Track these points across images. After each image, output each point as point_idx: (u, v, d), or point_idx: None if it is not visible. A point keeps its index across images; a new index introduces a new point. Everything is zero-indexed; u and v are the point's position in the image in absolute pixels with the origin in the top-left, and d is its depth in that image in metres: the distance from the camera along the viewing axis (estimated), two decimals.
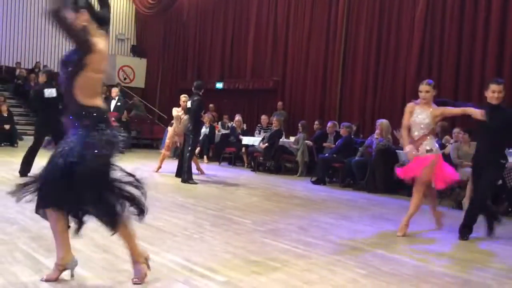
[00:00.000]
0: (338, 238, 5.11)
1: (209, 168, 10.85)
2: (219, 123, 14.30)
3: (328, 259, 4.25)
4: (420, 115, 5.37)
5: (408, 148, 5.51)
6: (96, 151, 3.07)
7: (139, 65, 19.45)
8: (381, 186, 8.80)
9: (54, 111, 7.36)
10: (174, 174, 9.27)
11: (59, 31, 2.96)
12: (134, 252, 3.27)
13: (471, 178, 5.56)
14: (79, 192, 3.07)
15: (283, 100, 13.93)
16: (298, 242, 4.79)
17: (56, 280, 3.25)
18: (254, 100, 15.17)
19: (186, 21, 17.84)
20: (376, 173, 8.89)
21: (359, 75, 12.15)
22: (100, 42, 3.14)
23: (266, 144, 11.09)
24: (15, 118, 14.50)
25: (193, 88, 9.20)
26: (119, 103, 13.51)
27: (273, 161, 11.26)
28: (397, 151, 8.80)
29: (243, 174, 10.72)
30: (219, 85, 15.91)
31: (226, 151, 12.67)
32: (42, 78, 8.37)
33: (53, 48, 18.65)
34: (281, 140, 11.24)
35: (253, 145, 11.77)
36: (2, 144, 13.48)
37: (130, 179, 3.31)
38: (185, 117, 9.39)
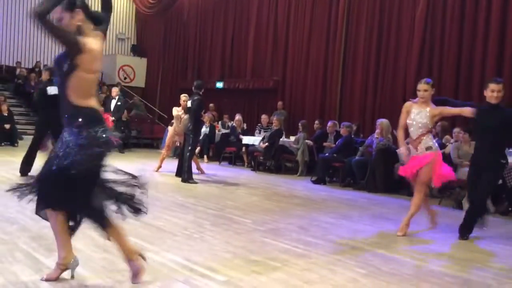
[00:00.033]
0: (338, 238, 5.11)
1: (209, 168, 10.86)
2: (219, 122, 14.30)
3: (328, 259, 4.25)
4: (418, 114, 5.34)
5: (402, 149, 5.54)
6: (87, 152, 3.07)
7: (139, 65, 19.46)
8: (381, 185, 8.80)
9: (55, 109, 7.37)
10: (174, 174, 9.27)
11: (45, 34, 2.94)
12: (127, 251, 3.25)
13: (469, 178, 5.49)
14: (70, 194, 3.07)
15: (283, 99, 13.93)
16: (298, 241, 4.80)
17: (56, 279, 3.25)
18: (254, 99, 15.17)
19: (187, 21, 17.84)
20: (376, 173, 8.90)
21: (359, 75, 12.15)
22: (91, 42, 3.11)
23: (266, 144, 11.09)
24: (15, 117, 14.51)
25: (193, 88, 9.21)
26: (119, 103, 13.49)
27: (273, 160, 11.27)
28: (397, 150, 8.78)
29: (243, 174, 10.72)
30: (219, 85, 15.92)
31: (226, 150, 12.68)
32: (45, 76, 8.37)
33: (54, 48, 18.66)
34: (281, 139, 11.24)
35: (253, 145, 11.77)
36: (2, 144, 13.48)
37: (125, 178, 3.32)
38: (185, 116, 9.39)
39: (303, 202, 7.33)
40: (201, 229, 5.11)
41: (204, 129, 12.20)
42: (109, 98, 14.27)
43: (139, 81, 19.44)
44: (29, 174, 7.14)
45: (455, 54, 10.33)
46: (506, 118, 5.19)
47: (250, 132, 13.31)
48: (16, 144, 13.48)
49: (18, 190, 3.23)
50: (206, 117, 12.28)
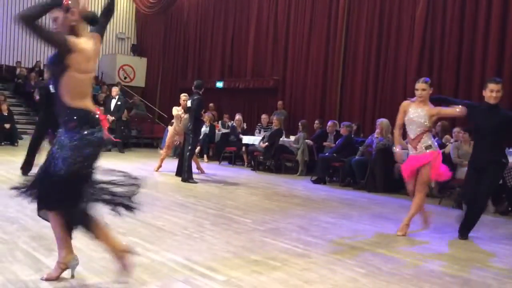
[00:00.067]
0: (338, 238, 5.11)
1: (209, 167, 10.86)
2: (219, 122, 14.30)
3: (328, 258, 4.25)
4: (415, 113, 5.31)
5: (397, 148, 5.58)
6: (78, 153, 3.06)
7: (140, 64, 19.46)
8: (381, 185, 8.80)
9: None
10: (174, 173, 9.27)
11: (34, 37, 2.94)
12: (114, 249, 3.23)
13: (469, 178, 5.43)
14: (61, 195, 3.07)
15: (283, 99, 13.94)
16: (298, 241, 4.80)
17: (56, 279, 3.25)
18: (254, 99, 15.17)
19: (187, 20, 17.85)
20: (376, 173, 8.90)
21: (360, 74, 12.16)
22: (84, 42, 3.10)
23: (266, 143, 11.09)
24: (15, 117, 14.50)
25: (193, 87, 9.21)
26: (119, 102, 13.51)
27: (273, 160, 11.27)
28: (392, 149, 8.79)
29: (243, 173, 10.72)
30: (220, 84, 15.92)
31: (226, 150, 12.68)
32: (47, 74, 8.39)
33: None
34: (281, 139, 11.24)
35: (253, 144, 11.78)
36: (3, 143, 13.48)
37: (118, 178, 3.31)
38: (186, 116, 9.40)
39: (303, 202, 7.34)
40: (201, 228, 5.11)
41: (204, 129, 12.21)
42: (109, 97, 14.29)
43: (139, 81, 19.45)
44: (29, 173, 7.16)
45: (455, 53, 10.33)
46: (505, 119, 5.17)
47: (250, 131, 13.32)
48: (16, 144, 13.48)
49: (21, 190, 3.24)
50: (206, 116, 12.29)
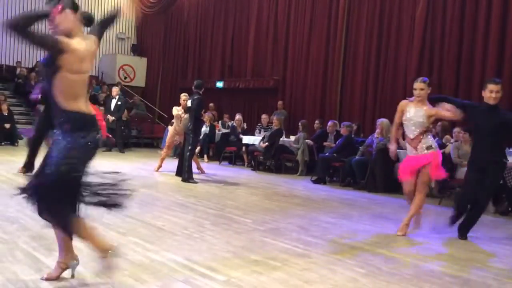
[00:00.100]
0: (338, 238, 5.11)
1: (209, 167, 10.86)
2: (220, 122, 14.31)
3: (328, 258, 4.26)
4: (414, 113, 5.28)
5: (392, 146, 5.62)
6: (68, 156, 3.05)
7: (140, 64, 19.46)
8: (381, 185, 8.80)
9: None
10: (175, 173, 9.28)
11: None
12: (99, 249, 3.20)
13: (470, 178, 5.40)
14: (46, 199, 3.07)
15: (284, 99, 13.93)
16: (298, 241, 4.80)
17: (57, 279, 3.25)
18: (254, 99, 15.17)
19: (187, 20, 17.85)
20: (376, 173, 8.90)
21: (360, 74, 12.16)
22: (77, 42, 3.08)
23: (267, 143, 11.09)
24: (16, 117, 14.50)
25: (193, 87, 9.21)
26: (119, 102, 13.52)
27: (273, 160, 11.27)
28: (397, 150, 8.79)
29: (243, 173, 10.72)
30: (220, 84, 15.92)
31: (226, 150, 12.68)
32: (41, 75, 8.39)
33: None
34: (281, 139, 11.25)
35: (253, 144, 11.78)
36: (3, 143, 13.49)
37: (105, 180, 3.32)
38: (186, 116, 9.40)
39: (303, 202, 7.34)
40: (201, 228, 5.11)
41: (204, 129, 12.21)
42: (109, 97, 14.29)
43: (139, 81, 19.44)
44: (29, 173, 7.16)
45: (455, 53, 10.33)
46: (504, 119, 5.14)
47: (250, 131, 13.32)
48: (16, 144, 13.48)
49: (20, 193, 3.23)
50: (206, 116, 12.29)
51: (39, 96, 8.20)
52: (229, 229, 5.17)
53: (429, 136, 5.39)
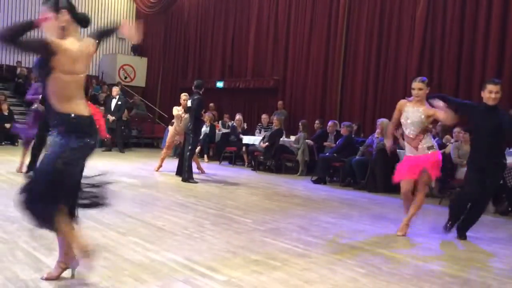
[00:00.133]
0: (338, 237, 5.11)
1: (209, 167, 10.86)
2: (220, 122, 14.31)
3: (328, 258, 4.26)
4: (412, 113, 5.26)
5: (388, 143, 5.69)
6: (63, 153, 3.04)
7: (140, 64, 19.46)
8: (382, 185, 8.80)
9: None
10: (175, 173, 9.28)
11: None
12: (78, 247, 3.19)
13: (469, 179, 5.36)
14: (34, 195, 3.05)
15: (284, 99, 13.94)
16: (298, 241, 4.80)
17: (56, 278, 3.26)
18: (254, 99, 15.18)
19: (187, 20, 17.85)
20: (376, 173, 8.90)
21: (360, 74, 12.16)
22: (70, 42, 3.07)
23: (267, 143, 11.09)
24: (16, 117, 14.50)
25: (193, 87, 9.22)
26: (119, 102, 13.52)
27: (274, 160, 11.27)
28: (397, 150, 8.80)
29: (243, 173, 10.72)
30: (220, 84, 15.93)
31: (226, 150, 12.68)
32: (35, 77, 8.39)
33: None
34: (281, 139, 11.25)
35: (253, 144, 11.78)
36: (3, 143, 13.50)
37: (92, 181, 3.33)
38: (186, 116, 9.40)
39: (303, 202, 7.34)
40: (201, 228, 5.11)
41: (205, 129, 12.21)
42: (109, 97, 14.30)
43: (140, 81, 19.45)
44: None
45: (456, 53, 10.34)
46: (504, 120, 5.10)
47: (250, 131, 13.32)
48: (16, 144, 13.48)
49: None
50: (206, 116, 12.29)
51: (40, 97, 8.20)
52: (229, 229, 5.17)
53: (429, 136, 5.38)
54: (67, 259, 3.27)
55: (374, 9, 11.94)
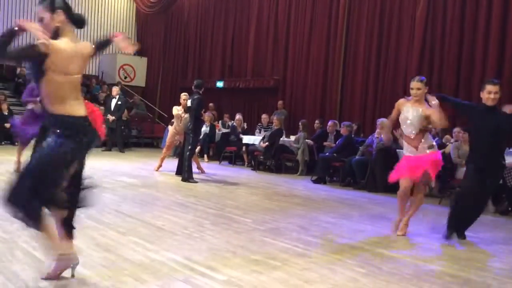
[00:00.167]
0: (338, 237, 5.11)
1: (209, 167, 10.86)
2: (220, 122, 14.31)
3: (328, 258, 4.26)
4: (410, 113, 5.24)
5: (385, 136, 5.78)
6: (53, 155, 3.03)
7: (140, 64, 19.46)
8: (382, 185, 8.79)
9: None
10: (174, 173, 9.28)
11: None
12: (55, 249, 3.18)
13: (469, 179, 5.32)
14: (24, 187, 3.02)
15: (284, 99, 13.94)
16: (298, 241, 4.80)
17: (56, 278, 3.25)
18: (254, 99, 15.18)
19: (187, 20, 17.85)
20: (376, 173, 8.89)
21: (360, 74, 12.16)
22: (63, 42, 3.06)
23: (267, 143, 11.09)
24: (16, 116, 14.48)
25: (193, 87, 9.22)
26: (119, 102, 13.52)
27: (274, 160, 11.27)
28: (397, 150, 8.80)
29: (243, 173, 10.72)
30: (220, 84, 15.93)
31: (226, 150, 12.68)
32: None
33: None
34: (281, 139, 11.25)
35: (253, 144, 11.78)
36: (3, 143, 13.50)
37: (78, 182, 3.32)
38: (186, 115, 9.40)
39: (303, 202, 7.34)
40: (201, 228, 5.11)
41: (205, 129, 12.21)
42: (109, 97, 14.30)
43: (140, 80, 19.44)
44: None
45: (456, 54, 10.34)
46: (503, 120, 5.07)
47: (250, 131, 13.32)
48: (16, 143, 13.47)
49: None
50: (206, 116, 12.29)
51: (38, 99, 8.21)
52: (229, 228, 5.17)
53: (429, 136, 5.37)
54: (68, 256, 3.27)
55: (374, 9, 11.94)
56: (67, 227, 3.29)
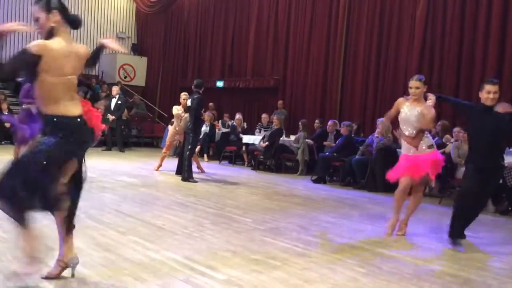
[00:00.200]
0: (338, 237, 5.11)
1: (209, 167, 10.86)
2: (220, 121, 14.31)
3: (328, 258, 4.26)
4: (409, 112, 5.22)
5: (382, 126, 5.61)
6: (44, 154, 3.02)
7: (140, 64, 19.45)
8: (382, 185, 8.78)
9: None
10: (174, 173, 9.28)
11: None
12: (29, 253, 3.15)
13: (468, 179, 5.29)
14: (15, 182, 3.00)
15: (284, 98, 13.93)
16: (298, 240, 4.80)
17: (57, 277, 3.25)
18: (254, 98, 15.17)
19: (187, 20, 17.84)
20: (376, 172, 8.89)
21: (360, 74, 12.15)
22: (57, 41, 3.06)
23: (267, 143, 11.09)
24: (16, 116, 14.49)
25: (193, 86, 9.22)
26: (119, 102, 13.52)
27: (274, 159, 11.27)
28: (397, 150, 8.79)
29: (243, 173, 10.72)
30: (220, 84, 15.92)
31: (226, 149, 12.68)
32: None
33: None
34: (281, 138, 11.24)
35: (253, 144, 11.77)
36: (3, 142, 13.50)
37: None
38: (186, 115, 9.40)
39: (303, 201, 7.34)
40: (201, 228, 5.11)
41: (205, 128, 12.21)
42: (109, 97, 14.29)
43: (140, 80, 19.43)
44: None
45: (456, 53, 10.33)
46: (502, 120, 5.03)
47: (250, 131, 13.32)
48: (16, 143, 13.47)
49: None
50: (206, 116, 12.28)
51: (34, 99, 8.22)
52: (229, 228, 5.17)
53: (428, 135, 5.37)
54: (67, 257, 3.27)
55: (374, 8, 11.93)
56: (68, 226, 3.28)
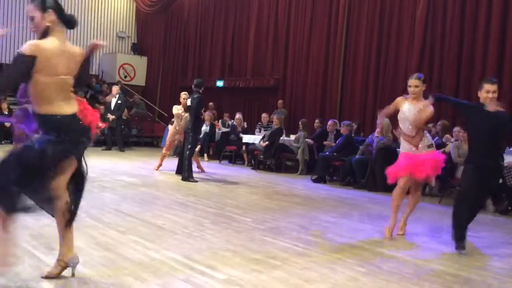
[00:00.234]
0: (338, 237, 5.11)
1: (209, 166, 10.86)
2: (220, 121, 14.30)
3: (328, 257, 4.26)
4: (408, 111, 5.21)
5: (380, 117, 6.03)
6: (39, 151, 3.02)
7: (140, 63, 19.44)
8: (382, 184, 8.76)
9: None
10: (175, 172, 9.28)
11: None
12: (5, 255, 3.14)
13: (468, 179, 5.25)
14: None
15: (284, 98, 13.93)
16: (298, 240, 4.80)
17: (57, 276, 3.25)
18: (254, 98, 15.17)
19: (187, 19, 17.84)
20: (376, 172, 8.88)
21: (360, 73, 12.15)
22: (50, 40, 3.05)
23: (267, 142, 11.09)
24: (13, 115, 14.48)
25: (193, 86, 9.22)
26: (119, 101, 13.52)
27: (274, 159, 11.27)
28: (397, 149, 8.79)
29: (243, 172, 10.72)
30: (220, 83, 15.92)
31: (226, 149, 12.68)
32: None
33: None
34: (281, 138, 11.24)
35: (253, 143, 11.77)
36: (3, 142, 13.50)
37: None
38: (186, 115, 9.40)
39: (303, 201, 7.34)
40: (201, 227, 5.11)
41: (205, 128, 12.21)
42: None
43: (140, 80, 19.43)
44: None
45: (456, 53, 10.33)
46: (501, 120, 4.98)
47: (250, 130, 13.31)
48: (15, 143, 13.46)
49: None
50: (206, 115, 12.28)
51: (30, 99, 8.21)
52: (229, 228, 5.17)
53: (427, 135, 5.36)
54: (67, 257, 3.26)
55: (374, 8, 11.93)
56: (68, 224, 3.28)
